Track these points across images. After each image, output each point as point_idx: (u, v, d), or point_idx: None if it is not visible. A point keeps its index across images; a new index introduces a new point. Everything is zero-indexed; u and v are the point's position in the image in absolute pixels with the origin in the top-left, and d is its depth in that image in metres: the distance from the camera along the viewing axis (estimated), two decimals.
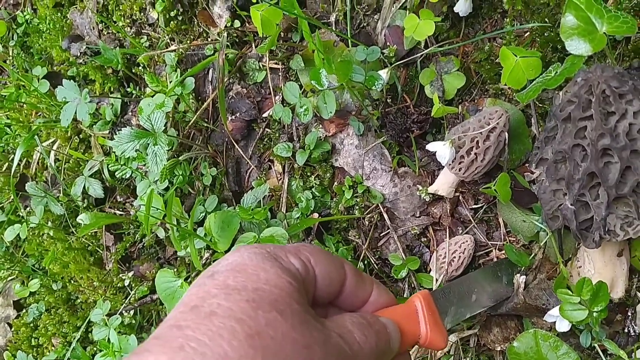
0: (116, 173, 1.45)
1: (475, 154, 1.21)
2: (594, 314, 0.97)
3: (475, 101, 1.35)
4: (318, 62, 1.16)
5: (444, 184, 1.30)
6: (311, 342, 0.54)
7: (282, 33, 1.44)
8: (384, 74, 1.28)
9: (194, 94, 1.53)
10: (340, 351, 0.57)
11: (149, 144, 1.37)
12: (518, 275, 1.17)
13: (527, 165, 1.26)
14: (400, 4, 1.33)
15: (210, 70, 1.56)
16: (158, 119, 1.38)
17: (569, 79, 1.04)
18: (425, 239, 1.36)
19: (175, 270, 1.47)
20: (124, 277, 1.56)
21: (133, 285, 1.57)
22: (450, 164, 1.23)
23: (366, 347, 0.60)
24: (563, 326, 1.06)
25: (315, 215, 1.38)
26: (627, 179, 0.96)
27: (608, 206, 0.98)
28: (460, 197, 1.33)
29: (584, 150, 0.98)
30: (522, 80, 1.10)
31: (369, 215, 1.38)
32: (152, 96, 1.36)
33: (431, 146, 1.23)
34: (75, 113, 1.46)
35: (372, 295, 0.71)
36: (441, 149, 1.21)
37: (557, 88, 1.08)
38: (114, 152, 1.40)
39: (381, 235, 1.39)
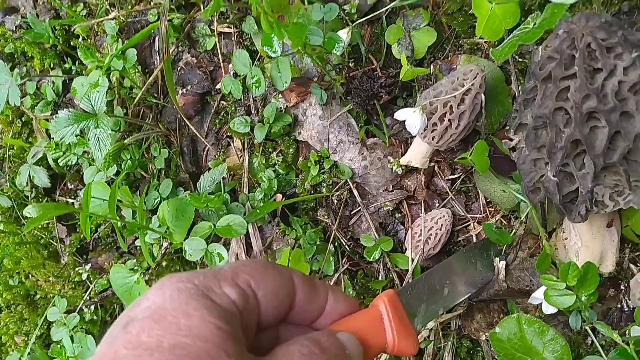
0: (59, 160, 1.32)
1: (449, 120, 1.09)
2: (583, 299, 0.87)
3: (449, 58, 1.21)
4: (265, 27, 1.01)
5: (417, 154, 1.17)
6: None
7: None
8: (344, 34, 1.14)
9: (139, 67, 1.38)
10: None
11: (90, 127, 1.23)
12: (497, 259, 1.06)
13: (507, 128, 1.14)
14: None
15: (157, 39, 1.40)
16: (98, 99, 1.24)
17: (549, 31, 0.91)
18: (399, 215, 1.24)
19: (136, 260, 1.36)
20: (81, 271, 1.45)
21: (92, 278, 1.46)
22: (422, 133, 1.11)
23: None
24: (550, 309, 0.96)
25: (279, 196, 1.26)
26: (616, 146, 0.84)
27: (595, 177, 0.86)
28: (436, 167, 1.21)
29: (567, 113, 0.86)
30: (499, 30, 0.96)
31: (337, 193, 1.26)
32: (88, 75, 1.21)
33: (399, 114, 1.10)
34: (8, 97, 1.31)
35: (328, 304, 0.62)
36: (411, 117, 1.09)
37: (536, 42, 0.94)
38: (53, 139, 1.26)
39: (352, 213, 1.27)
